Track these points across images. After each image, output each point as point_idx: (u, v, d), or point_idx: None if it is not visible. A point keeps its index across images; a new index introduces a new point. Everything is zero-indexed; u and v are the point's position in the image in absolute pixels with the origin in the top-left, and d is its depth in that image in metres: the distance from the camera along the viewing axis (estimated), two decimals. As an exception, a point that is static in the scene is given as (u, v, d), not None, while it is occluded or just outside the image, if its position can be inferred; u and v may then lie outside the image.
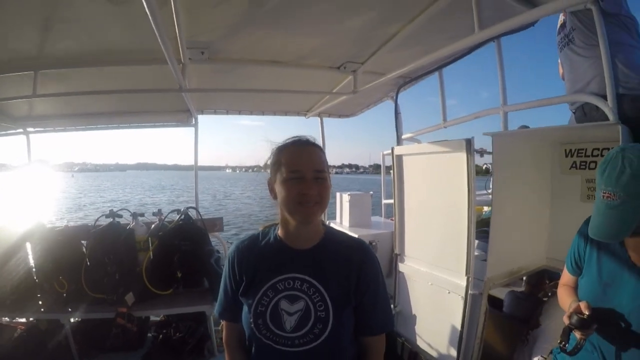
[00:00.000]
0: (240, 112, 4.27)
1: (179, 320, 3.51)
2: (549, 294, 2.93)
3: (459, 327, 2.45)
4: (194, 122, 4.05)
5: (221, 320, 1.34)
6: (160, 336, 3.47)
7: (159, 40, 1.67)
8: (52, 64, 2.36)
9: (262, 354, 1.20)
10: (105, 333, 3.33)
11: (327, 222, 4.30)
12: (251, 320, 1.16)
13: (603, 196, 1.15)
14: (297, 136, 1.19)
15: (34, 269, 3.30)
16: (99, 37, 2.12)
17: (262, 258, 1.21)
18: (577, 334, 1.25)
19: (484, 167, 2.35)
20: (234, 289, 1.24)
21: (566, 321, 1.25)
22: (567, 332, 1.29)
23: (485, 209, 3.61)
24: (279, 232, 1.23)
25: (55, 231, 3.36)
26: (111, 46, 2.21)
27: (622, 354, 1.22)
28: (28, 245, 3.31)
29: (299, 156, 1.12)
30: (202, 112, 4.14)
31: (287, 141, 1.18)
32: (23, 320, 3.40)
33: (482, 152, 2.47)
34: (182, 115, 4.03)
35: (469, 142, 2.30)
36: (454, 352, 2.50)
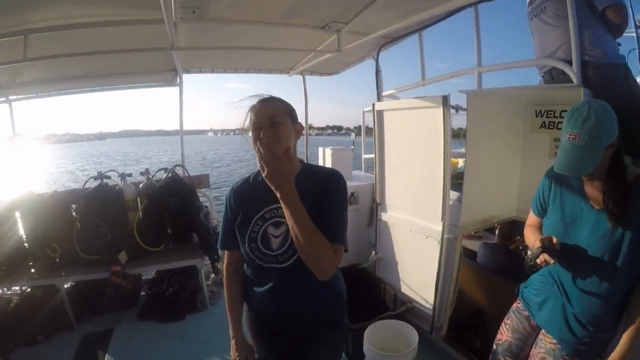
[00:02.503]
0: (225, 71, 4.38)
1: (171, 276, 3.78)
2: (520, 247, 3.28)
3: (435, 269, 2.81)
4: (179, 82, 4.19)
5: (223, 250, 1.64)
6: (154, 292, 3.73)
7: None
8: (42, 28, 2.44)
9: (256, 272, 1.53)
10: (100, 295, 3.56)
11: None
12: (246, 245, 1.48)
13: (569, 138, 1.41)
14: (260, 95, 1.48)
15: (24, 238, 3.43)
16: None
17: (252, 194, 1.52)
18: (540, 258, 1.47)
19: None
20: (232, 222, 1.54)
21: (537, 244, 1.48)
22: (535, 254, 1.47)
23: (460, 163, 3.93)
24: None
25: (43, 198, 3.49)
26: (104, 6, 2.31)
27: (578, 282, 1.51)
28: (17, 215, 3.42)
29: (258, 110, 1.41)
30: (187, 72, 4.25)
31: (254, 102, 1.46)
32: (17, 289, 3.55)
33: (457, 108, 2.75)
34: (167, 74, 4.14)
35: (445, 99, 2.57)
36: (431, 294, 2.87)
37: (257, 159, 1.37)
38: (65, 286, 3.45)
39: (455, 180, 3.00)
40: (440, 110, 2.61)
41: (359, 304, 3.01)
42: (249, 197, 1.52)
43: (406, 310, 3.02)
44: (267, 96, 1.47)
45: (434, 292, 2.85)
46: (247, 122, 1.45)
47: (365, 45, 3.23)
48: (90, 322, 3.48)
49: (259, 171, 1.50)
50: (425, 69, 3.40)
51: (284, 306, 1.52)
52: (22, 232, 3.43)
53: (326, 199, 1.44)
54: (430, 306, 2.91)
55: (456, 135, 2.89)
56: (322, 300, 1.56)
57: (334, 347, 1.63)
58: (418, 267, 3.05)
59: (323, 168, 1.60)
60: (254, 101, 1.46)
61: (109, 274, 3.30)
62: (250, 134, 1.43)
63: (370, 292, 3.37)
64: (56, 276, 3.34)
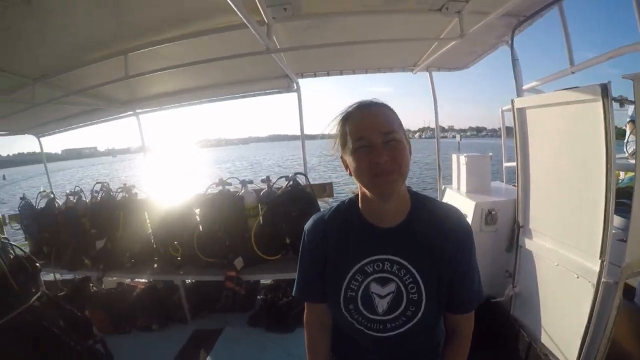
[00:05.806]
0: (341, 72, 4.19)
1: (287, 285, 3.78)
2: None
3: (585, 320, 2.13)
4: (295, 88, 4.15)
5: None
6: (268, 299, 3.81)
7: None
8: (138, 45, 2.68)
9: (354, 340, 1.22)
10: (217, 295, 3.83)
11: (443, 188, 4.09)
12: (342, 306, 1.16)
13: None
14: (359, 101, 1.12)
15: (152, 236, 3.95)
16: (178, 7, 2.30)
17: (347, 237, 1.17)
18: None
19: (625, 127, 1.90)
20: (316, 268, 1.22)
21: None
22: None
23: (622, 175, 2.96)
24: (361, 208, 1.17)
25: (170, 201, 3.87)
26: (192, 15, 2.38)
27: None
28: (146, 215, 3.96)
29: (363, 121, 1.05)
30: (301, 76, 4.21)
31: (349, 107, 1.11)
32: (143, 280, 4.07)
33: (621, 101, 2.02)
34: (281, 81, 4.14)
35: (604, 88, 1.90)
36: (575, 349, 2.21)
37: (359, 190, 1.14)
38: (187, 282, 3.80)
39: (616, 198, 2.24)
40: (599, 103, 1.93)
41: (484, 345, 2.45)
42: (343, 239, 1.17)
43: (542, 366, 2.39)
44: (367, 101, 1.10)
45: (578, 347, 2.17)
46: (339, 133, 1.12)
47: (494, 27, 2.69)
48: (203, 319, 3.77)
49: (352, 201, 1.21)
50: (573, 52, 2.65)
51: None
52: (150, 231, 3.92)
53: (461, 261, 1.15)
54: (571, 364, 2.23)
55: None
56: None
57: None
58: (562, 312, 2.38)
59: (438, 207, 1.19)
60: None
61: (224, 277, 3.43)
62: (338, 147, 1.13)
63: (501, 334, 2.79)
64: (176, 273, 3.68)
